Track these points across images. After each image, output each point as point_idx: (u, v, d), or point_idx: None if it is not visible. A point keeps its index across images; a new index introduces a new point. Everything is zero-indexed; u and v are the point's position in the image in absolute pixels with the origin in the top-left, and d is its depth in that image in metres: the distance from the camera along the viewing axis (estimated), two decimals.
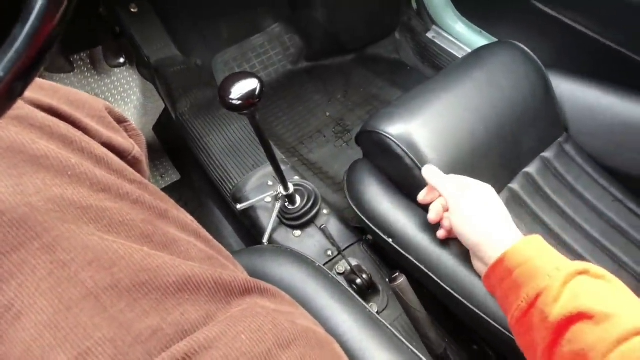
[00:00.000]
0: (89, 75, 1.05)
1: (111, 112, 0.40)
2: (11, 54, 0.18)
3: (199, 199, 0.97)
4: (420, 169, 0.60)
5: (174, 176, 1.06)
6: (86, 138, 0.34)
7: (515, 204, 0.68)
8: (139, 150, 0.41)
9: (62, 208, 0.28)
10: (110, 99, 1.06)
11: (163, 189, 1.03)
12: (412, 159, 0.60)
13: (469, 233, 0.46)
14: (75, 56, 1.03)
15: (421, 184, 0.61)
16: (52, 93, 0.35)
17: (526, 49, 0.73)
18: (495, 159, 0.66)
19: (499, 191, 0.68)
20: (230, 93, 0.43)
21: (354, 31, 1.26)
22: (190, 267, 0.31)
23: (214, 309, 0.30)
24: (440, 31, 1.25)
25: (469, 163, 0.63)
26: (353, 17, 1.21)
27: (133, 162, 0.40)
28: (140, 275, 0.28)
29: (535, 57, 0.73)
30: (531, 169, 0.70)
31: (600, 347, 0.31)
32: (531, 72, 0.72)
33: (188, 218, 0.38)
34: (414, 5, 1.28)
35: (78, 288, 0.26)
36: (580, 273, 0.37)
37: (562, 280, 0.36)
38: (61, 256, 0.27)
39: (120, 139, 0.39)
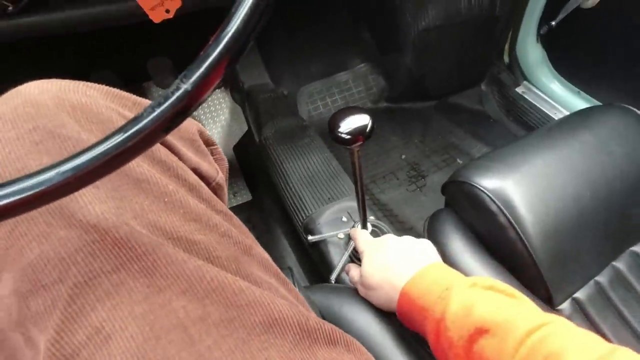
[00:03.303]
0: None
1: (202, 134, 0.41)
2: (202, 70, 0.18)
3: (267, 223, 0.98)
4: (516, 229, 0.55)
5: (245, 196, 1.09)
6: (181, 164, 0.34)
7: (619, 285, 0.60)
8: (222, 177, 0.41)
9: (156, 236, 0.28)
10: (202, 116, 1.13)
11: (232, 208, 1.06)
12: (507, 218, 0.56)
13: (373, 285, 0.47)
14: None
15: (515, 246, 0.56)
16: None
17: None
18: (601, 231, 0.60)
19: (601, 269, 0.61)
20: (339, 127, 0.43)
21: (439, 79, 1.25)
22: (278, 306, 0.29)
23: (299, 358, 0.28)
24: (532, 87, 1.20)
25: (570, 231, 0.57)
26: (441, 65, 1.21)
27: (216, 189, 0.39)
28: (230, 311, 0.27)
29: None
30: None
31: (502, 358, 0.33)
32: None
33: (267, 255, 0.36)
34: (506, 59, 1.25)
35: (170, 317, 0.25)
36: (471, 286, 0.38)
37: (454, 299, 0.37)
38: (158, 281, 0.26)
39: (207, 165, 0.38)
